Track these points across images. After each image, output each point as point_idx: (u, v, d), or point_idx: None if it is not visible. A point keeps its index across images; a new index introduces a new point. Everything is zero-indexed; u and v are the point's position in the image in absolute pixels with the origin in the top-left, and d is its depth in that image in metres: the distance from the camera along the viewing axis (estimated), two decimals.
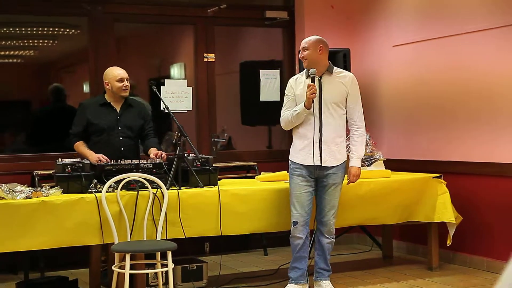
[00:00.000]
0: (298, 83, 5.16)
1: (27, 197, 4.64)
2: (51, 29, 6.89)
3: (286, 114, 5.16)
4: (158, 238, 4.85)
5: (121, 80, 5.39)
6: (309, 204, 5.13)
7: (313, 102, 5.00)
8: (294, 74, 5.99)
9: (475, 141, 6.03)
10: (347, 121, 5.22)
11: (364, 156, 6.17)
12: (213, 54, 7.12)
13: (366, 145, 6.21)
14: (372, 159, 6.20)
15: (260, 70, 7.21)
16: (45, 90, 6.77)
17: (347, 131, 5.31)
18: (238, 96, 7.48)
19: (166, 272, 4.74)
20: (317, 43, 5.12)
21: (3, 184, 4.75)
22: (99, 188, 4.82)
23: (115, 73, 5.41)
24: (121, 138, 5.44)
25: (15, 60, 6.84)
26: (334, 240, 5.29)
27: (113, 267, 4.74)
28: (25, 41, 6.83)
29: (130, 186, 4.90)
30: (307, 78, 5.09)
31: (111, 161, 5.07)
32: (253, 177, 6.20)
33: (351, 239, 7.33)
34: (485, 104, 5.92)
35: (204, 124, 7.10)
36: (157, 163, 5.15)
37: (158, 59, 7.64)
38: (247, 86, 7.40)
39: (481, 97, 5.95)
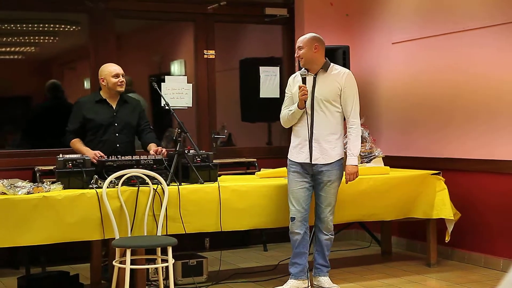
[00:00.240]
0: (296, 82, 5.19)
1: (28, 193, 4.65)
2: (52, 25, 6.92)
3: (284, 113, 5.21)
4: (159, 233, 4.88)
5: (116, 75, 5.43)
6: (306, 200, 5.16)
7: (305, 102, 5.04)
8: (294, 71, 6.03)
9: (473, 138, 6.06)
10: (345, 119, 5.24)
11: (363, 153, 6.21)
12: (213, 51, 7.15)
13: (366, 142, 6.26)
14: (371, 156, 6.22)
15: (260, 67, 7.24)
16: None
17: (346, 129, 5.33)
18: (238, 92, 7.51)
19: (167, 267, 4.78)
20: (312, 41, 5.12)
21: (4, 180, 4.77)
22: (100, 183, 4.85)
23: (111, 69, 5.45)
24: (117, 134, 5.47)
25: (16, 57, 6.87)
26: (332, 236, 5.31)
27: (113, 262, 4.77)
28: (26, 38, 6.86)
29: (130, 182, 4.93)
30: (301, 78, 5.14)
31: (108, 158, 5.10)
32: (253, 173, 6.21)
33: (350, 235, 7.36)
34: (484, 102, 5.94)
35: (204, 120, 7.14)
36: (157, 159, 5.18)
37: (158, 56, 7.67)
38: (247, 83, 7.43)
39: (480, 94, 5.98)
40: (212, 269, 5.79)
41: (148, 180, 4.91)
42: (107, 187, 4.78)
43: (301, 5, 7.28)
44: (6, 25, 6.64)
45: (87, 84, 6.90)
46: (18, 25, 6.78)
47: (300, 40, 5.17)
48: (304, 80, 5.05)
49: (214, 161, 5.36)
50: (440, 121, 6.41)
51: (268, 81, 7.23)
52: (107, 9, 6.70)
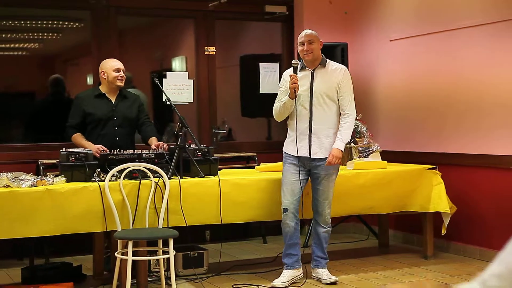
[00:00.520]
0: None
1: (32, 186, 4.72)
2: (55, 22, 7.00)
3: (276, 105, 5.28)
4: (160, 226, 4.95)
5: (117, 70, 5.51)
6: (299, 192, 5.21)
7: (295, 92, 5.07)
8: None
9: (470, 133, 6.11)
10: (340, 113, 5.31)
11: (361, 147, 6.30)
12: (214, 48, 7.22)
13: (364, 136, 6.33)
14: (369, 151, 6.29)
15: (260, 64, 7.27)
16: None
17: None
18: (238, 88, 7.57)
19: (168, 259, 4.85)
20: (319, 37, 5.24)
21: (8, 173, 4.83)
22: (102, 177, 4.91)
23: (112, 64, 5.54)
24: (116, 128, 5.53)
25: (20, 53, 6.96)
26: (330, 229, 5.37)
27: (115, 254, 4.83)
28: (30, 34, 6.94)
29: (132, 175, 5.00)
30: (300, 71, 5.22)
31: (110, 152, 5.18)
32: (252, 167, 6.27)
33: (348, 228, 7.42)
34: (480, 97, 5.99)
35: (205, 115, 7.22)
36: (159, 153, 5.25)
37: (160, 52, 7.74)
38: (247, 79, 7.49)
39: (476, 90, 6.03)
40: (213, 260, 5.86)
41: (149, 173, 4.97)
42: (110, 180, 4.85)
43: (300, 3, 7.35)
44: (10, 22, 6.72)
45: (90, 80, 6.97)
46: (22, 22, 6.86)
47: (310, 34, 5.20)
48: (295, 70, 5.14)
49: (214, 155, 5.43)
50: (436, 116, 6.47)
51: (268, 77, 7.28)
52: (110, 6, 6.78)
